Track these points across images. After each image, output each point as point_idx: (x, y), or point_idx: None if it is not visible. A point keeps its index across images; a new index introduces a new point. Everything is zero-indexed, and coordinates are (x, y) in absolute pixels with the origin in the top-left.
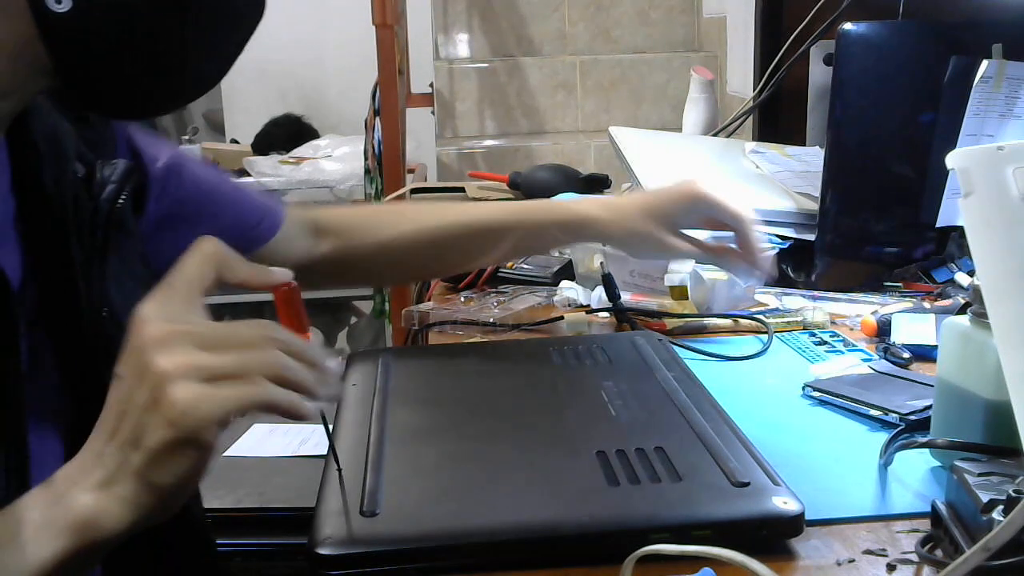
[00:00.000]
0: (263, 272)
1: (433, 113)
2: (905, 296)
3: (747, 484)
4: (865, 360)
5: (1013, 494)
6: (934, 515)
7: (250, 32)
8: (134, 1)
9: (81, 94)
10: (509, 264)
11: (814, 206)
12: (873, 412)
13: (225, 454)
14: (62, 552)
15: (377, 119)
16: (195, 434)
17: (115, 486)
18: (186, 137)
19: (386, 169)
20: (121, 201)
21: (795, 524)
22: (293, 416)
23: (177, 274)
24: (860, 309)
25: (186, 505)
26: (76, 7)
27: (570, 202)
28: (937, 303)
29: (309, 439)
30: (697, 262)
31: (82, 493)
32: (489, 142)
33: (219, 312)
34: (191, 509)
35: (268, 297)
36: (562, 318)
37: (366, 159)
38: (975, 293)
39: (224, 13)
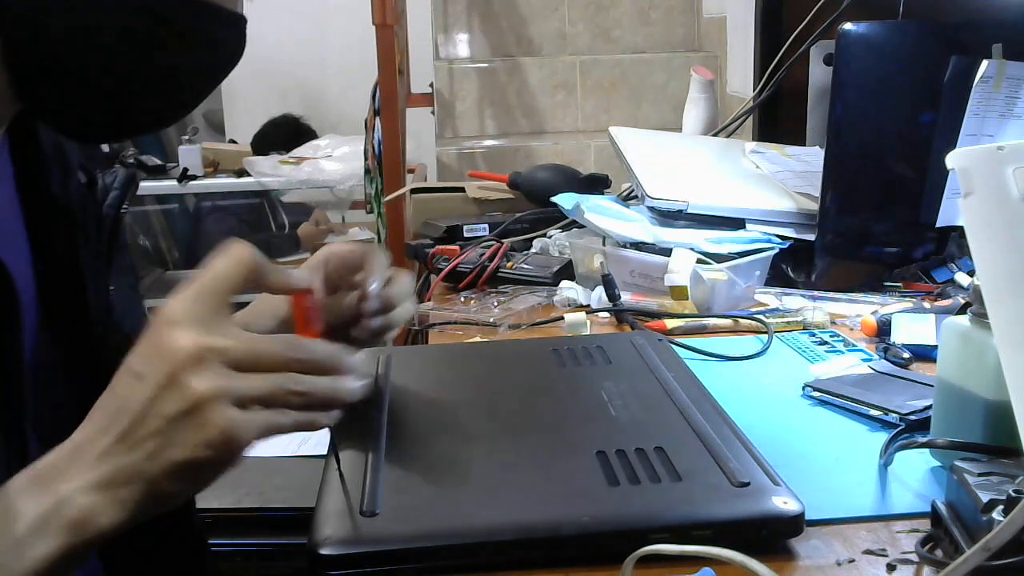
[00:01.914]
0: (287, 277)
1: (433, 113)
2: (905, 296)
3: (747, 484)
4: (865, 360)
5: (1013, 494)
6: (934, 515)
7: (226, 68)
8: (96, 33)
9: (44, 118)
10: (509, 264)
11: (814, 206)
12: (873, 412)
13: None
14: (57, 550)
15: (377, 119)
16: (228, 457)
17: (118, 488)
18: (186, 137)
19: (386, 169)
20: (124, 208)
21: (795, 524)
22: (317, 429)
23: (208, 276)
24: (860, 309)
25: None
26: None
27: None
28: (937, 303)
29: (309, 439)
30: None
31: (80, 493)
32: (489, 142)
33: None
34: (185, 510)
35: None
36: (562, 318)
37: (366, 159)
38: (975, 293)
39: (197, 47)
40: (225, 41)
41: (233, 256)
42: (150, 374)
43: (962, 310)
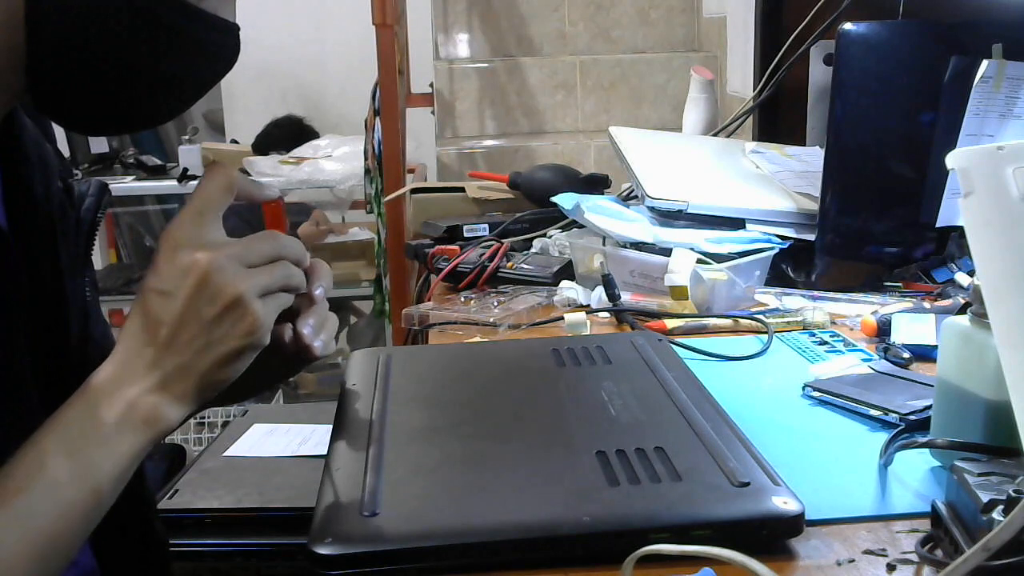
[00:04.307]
0: (260, 188)
1: (433, 113)
2: (905, 296)
3: (747, 484)
4: (865, 360)
5: (1013, 494)
6: (934, 515)
7: (223, 70)
8: (96, 33)
9: (52, 111)
10: (509, 264)
11: (814, 206)
12: (873, 412)
13: (225, 454)
14: (140, 446)
15: (377, 119)
16: (262, 339)
17: (174, 385)
18: (186, 137)
19: (386, 169)
20: (100, 214)
21: (795, 524)
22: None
23: (199, 199)
24: (860, 309)
25: (139, 507)
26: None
27: None
28: (937, 303)
29: (309, 439)
30: None
31: (144, 395)
32: (489, 142)
33: None
34: (146, 515)
35: None
36: (562, 318)
37: (366, 159)
38: (975, 293)
39: (195, 51)
40: (222, 47)
41: (216, 178)
42: (178, 290)
43: (962, 310)
